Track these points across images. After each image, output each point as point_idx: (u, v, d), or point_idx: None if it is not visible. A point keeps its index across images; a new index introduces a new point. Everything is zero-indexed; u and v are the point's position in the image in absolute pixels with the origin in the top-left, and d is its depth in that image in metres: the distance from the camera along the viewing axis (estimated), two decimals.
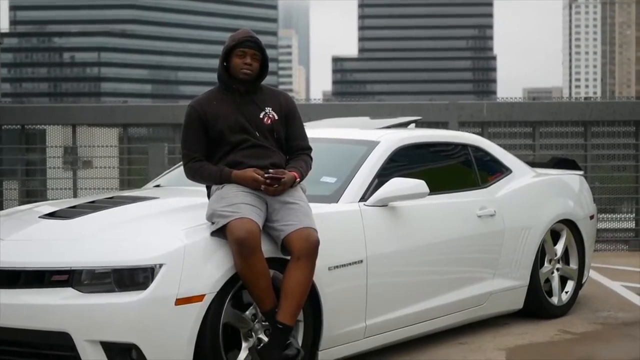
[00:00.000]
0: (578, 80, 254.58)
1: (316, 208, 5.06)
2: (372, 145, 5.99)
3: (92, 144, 12.22)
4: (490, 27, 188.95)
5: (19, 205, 11.58)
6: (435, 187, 5.98)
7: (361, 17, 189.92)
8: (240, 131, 4.98)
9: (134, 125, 11.66)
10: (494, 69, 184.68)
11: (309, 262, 4.72)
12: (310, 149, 5.22)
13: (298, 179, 4.97)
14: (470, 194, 6.48)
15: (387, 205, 5.64)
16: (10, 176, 12.50)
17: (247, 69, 5.01)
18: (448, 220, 6.13)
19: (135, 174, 11.90)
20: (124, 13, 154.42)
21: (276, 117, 5.09)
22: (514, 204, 6.71)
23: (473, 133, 7.37)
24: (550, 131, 11.34)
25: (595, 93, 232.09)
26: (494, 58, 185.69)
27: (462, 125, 10.97)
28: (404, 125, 6.92)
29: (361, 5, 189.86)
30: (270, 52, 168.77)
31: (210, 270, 4.58)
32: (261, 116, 5.05)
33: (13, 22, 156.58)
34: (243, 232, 4.56)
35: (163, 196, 5.73)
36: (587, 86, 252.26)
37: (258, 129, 5.01)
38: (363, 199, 5.59)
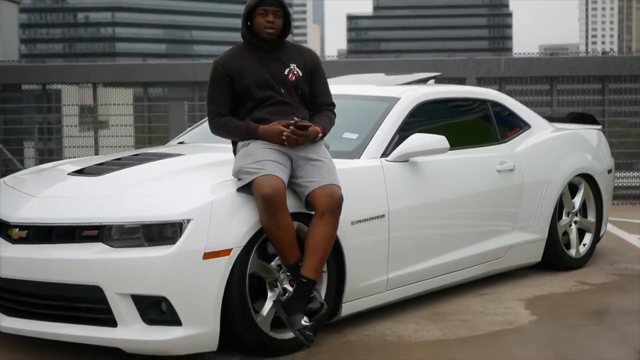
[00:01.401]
0: (595, 36, 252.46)
1: (339, 164, 5.14)
2: (393, 101, 6.07)
3: (109, 103, 12.29)
4: None
5: (38, 164, 11.76)
6: (456, 143, 6.06)
7: None
8: (266, 87, 5.05)
9: (154, 84, 11.75)
10: (509, 26, 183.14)
11: (333, 219, 4.80)
12: (334, 105, 5.29)
13: (321, 134, 5.04)
14: (490, 149, 6.56)
15: (408, 161, 5.73)
16: (29, 135, 12.63)
17: (270, 27, 5.06)
18: (468, 175, 6.21)
19: (155, 132, 12.00)
20: None
21: (300, 74, 5.15)
22: (533, 158, 6.78)
23: (491, 89, 7.43)
24: (568, 88, 11.35)
25: (612, 50, 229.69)
26: (509, 15, 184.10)
27: (480, 82, 11.00)
28: (424, 81, 6.98)
29: None
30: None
31: (237, 225, 4.68)
32: (286, 72, 5.11)
33: None
34: (269, 189, 4.64)
35: (188, 153, 5.84)
36: (603, 42, 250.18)
37: (283, 85, 5.08)
38: (384, 154, 5.67)
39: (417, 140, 5.70)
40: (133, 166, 5.33)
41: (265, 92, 5.06)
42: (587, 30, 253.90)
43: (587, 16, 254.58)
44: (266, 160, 4.82)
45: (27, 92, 12.67)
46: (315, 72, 5.23)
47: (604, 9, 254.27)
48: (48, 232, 4.74)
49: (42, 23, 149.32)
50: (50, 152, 12.43)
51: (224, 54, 5.24)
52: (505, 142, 6.72)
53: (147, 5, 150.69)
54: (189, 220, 4.57)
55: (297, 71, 5.15)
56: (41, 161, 11.77)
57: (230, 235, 4.65)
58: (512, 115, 6.98)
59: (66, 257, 4.62)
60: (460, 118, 6.77)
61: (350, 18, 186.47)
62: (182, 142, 6.55)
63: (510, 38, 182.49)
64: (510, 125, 6.92)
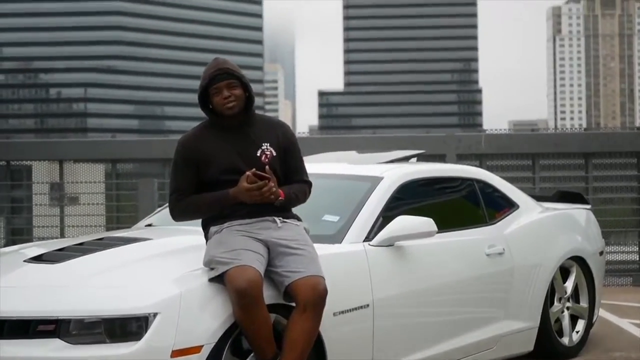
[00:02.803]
0: (563, 112, 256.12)
1: (319, 249, 4.73)
2: (375, 181, 5.69)
3: (79, 180, 11.91)
4: (475, 60, 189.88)
5: (4, 243, 11.26)
6: (442, 225, 5.67)
7: (347, 51, 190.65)
8: (235, 172, 4.62)
9: (123, 160, 11.35)
10: (479, 102, 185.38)
11: (316, 313, 4.38)
12: (310, 183, 4.90)
13: (282, 198, 4.61)
14: (478, 231, 6.18)
15: (393, 245, 5.33)
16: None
17: (229, 101, 4.64)
18: (456, 259, 5.82)
19: (124, 211, 11.59)
20: (110, 49, 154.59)
21: (274, 153, 4.73)
22: (523, 241, 6.42)
23: (477, 167, 7.10)
24: (550, 163, 11.08)
25: (580, 125, 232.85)
26: (479, 91, 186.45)
27: (460, 158, 10.71)
28: (406, 159, 6.63)
29: (347, 40, 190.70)
30: (256, 87, 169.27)
31: (208, 319, 4.25)
32: (258, 154, 4.69)
33: None
34: (244, 282, 4.22)
35: (156, 237, 5.40)
36: (572, 118, 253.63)
37: (255, 168, 4.65)
38: (368, 238, 5.27)
39: (403, 223, 5.30)
40: (95, 252, 4.89)
41: (234, 176, 4.61)
42: (555, 107, 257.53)
43: (555, 93, 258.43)
44: (241, 249, 4.41)
45: None
46: (290, 149, 4.82)
47: (571, 85, 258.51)
48: None
49: (13, 99, 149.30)
50: (17, 232, 11.95)
51: (189, 133, 4.81)
52: (493, 224, 6.35)
53: (119, 82, 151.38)
54: (155, 314, 4.14)
55: (269, 151, 4.72)
56: (8, 241, 11.31)
57: (200, 330, 4.21)
58: (500, 194, 6.63)
59: (19, 354, 4.15)
60: (447, 198, 6.40)
61: (322, 94, 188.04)
62: (150, 225, 6.11)
63: (480, 114, 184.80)
64: (498, 206, 6.57)
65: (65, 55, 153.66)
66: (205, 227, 4.77)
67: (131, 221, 10.11)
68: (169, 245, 5.18)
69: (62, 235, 11.34)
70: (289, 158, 4.80)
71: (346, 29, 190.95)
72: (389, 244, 5.30)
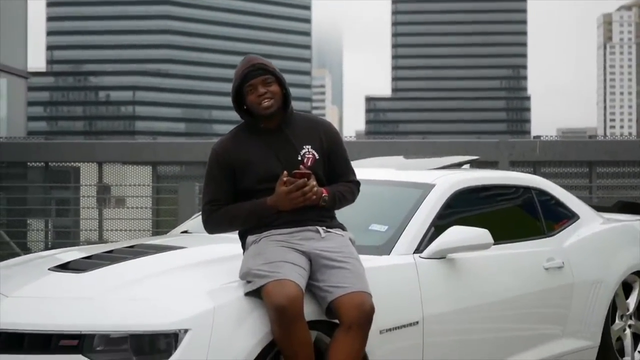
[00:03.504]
0: (613, 120, 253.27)
1: (366, 261, 4.36)
2: (427, 188, 5.30)
3: (124, 183, 11.68)
4: (525, 67, 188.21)
5: (50, 244, 11.04)
6: (498, 236, 5.26)
7: (395, 57, 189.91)
8: (274, 180, 4.24)
9: (164, 163, 11.06)
10: (527, 109, 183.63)
11: (362, 333, 4.00)
12: (358, 182, 4.52)
13: (325, 194, 4.26)
14: (536, 243, 5.76)
15: (445, 258, 4.94)
16: (37, 215, 11.96)
17: (265, 99, 4.28)
18: (513, 274, 5.41)
19: (165, 214, 11.30)
20: (159, 53, 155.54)
21: (317, 156, 4.35)
22: (584, 254, 5.99)
23: (534, 174, 6.67)
24: (608, 171, 10.61)
25: (630, 134, 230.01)
26: (528, 98, 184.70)
27: (513, 165, 10.28)
28: (458, 165, 6.23)
29: (395, 46, 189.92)
30: (304, 92, 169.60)
31: (244, 336, 3.89)
32: (299, 158, 4.31)
33: (50, 62, 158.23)
34: (283, 298, 3.84)
35: (190, 245, 5.05)
36: (622, 127, 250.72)
37: None
38: (418, 250, 4.88)
39: (457, 234, 4.90)
40: (124, 261, 4.55)
41: (273, 184, 4.23)
42: (605, 115, 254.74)
43: (605, 100, 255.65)
44: (280, 261, 4.04)
45: (33, 169, 12.04)
46: (335, 150, 4.44)
47: (621, 93, 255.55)
48: (19, 340, 3.95)
49: (63, 101, 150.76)
50: (61, 234, 11.75)
51: (223, 139, 4.44)
52: (552, 236, 5.93)
53: (167, 85, 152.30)
54: (186, 331, 3.79)
55: (312, 154, 4.34)
56: (50, 243, 11.09)
57: (235, 348, 3.85)
58: (559, 204, 6.21)
59: None
60: (503, 207, 5.98)
61: (369, 99, 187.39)
62: (186, 231, 5.77)
63: (528, 121, 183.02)
64: (557, 216, 6.14)
65: (114, 58, 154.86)
66: (243, 237, 4.42)
67: (172, 225, 9.82)
68: (204, 255, 4.80)
69: (100, 238, 11.09)
70: (333, 160, 4.44)
71: (394, 34, 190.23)
72: (441, 256, 4.91)
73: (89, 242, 10.25)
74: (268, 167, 4.28)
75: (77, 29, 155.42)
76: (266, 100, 4.27)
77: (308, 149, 4.35)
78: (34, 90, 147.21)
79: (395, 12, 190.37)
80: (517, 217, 5.99)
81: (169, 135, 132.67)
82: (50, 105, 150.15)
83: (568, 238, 6.01)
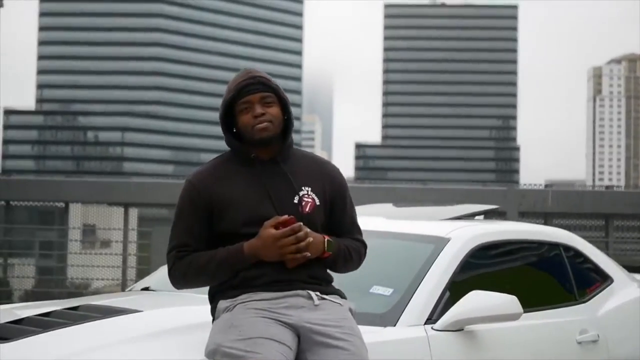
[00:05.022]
0: (602, 172, 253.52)
1: (366, 334, 3.41)
2: (440, 242, 4.35)
3: (95, 224, 10.77)
4: (514, 117, 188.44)
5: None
6: (524, 302, 4.29)
7: (385, 104, 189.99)
8: (262, 224, 3.30)
9: (135, 204, 10.08)
10: (517, 160, 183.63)
11: None
12: (365, 244, 3.58)
13: (327, 238, 3.33)
14: (567, 311, 4.81)
15: (462, 330, 4.00)
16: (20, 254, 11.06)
17: (262, 120, 3.35)
18: (542, 348, 4.46)
19: (142, 262, 10.34)
20: (148, 95, 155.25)
21: (317, 202, 3.40)
22: (621, 325, 5.04)
23: (562, 229, 5.73)
24: (625, 225, 9.71)
25: (619, 187, 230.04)
26: (517, 148, 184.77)
27: (522, 216, 9.35)
28: (472, 215, 5.30)
29: (385, 93, 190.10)
30: (293, 137, 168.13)
31: None
32: (295, 201, 3.37)
33: (39, 100, 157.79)
34: None
35: (148, 307, 4.02)
36: (610, 179, 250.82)
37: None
38: (430, 319, 3.94)
39: (478, 302, 3.95)
40: (60, 328, 3.55)
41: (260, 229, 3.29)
42: (594, 167, 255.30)
43: (594, 153, 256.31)
44: (259, 337, 3.08)
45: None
46: (339, 201, 3.49)
47: (611, 145, 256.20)
48: None
49: (51, 140, 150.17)
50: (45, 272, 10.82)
51: (202, 170, 3.47)
52: (585, 302, 4.98)
53: (156, 127, 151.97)
54: None
55: (312, 198, 3.40)
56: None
57: None
58: (590, 264, 5.26)
59: None
60: (528, 268, 5.03)
61: (359, 146, 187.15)
62: (147, 288, 4.77)
63: (517, 171, 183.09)
64: (589, 279, 5.19)
65: (103, 99, 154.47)
66: (213, 300, 3.45)
67: (143, 275, 8.88)
68: (161, 322, 3.71)
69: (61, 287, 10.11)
70: (337, 212, 3.49)
71: (385, 82, 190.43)
72: (457, 328, 3.97)
73: (47, 293, 9.26)
74: (255, 207, 3.33)
75: (68, 68, 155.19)
76: (262, 123, 3.34)
77: (308, 191, 3.41)
78: (22, 128, 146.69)
79: (386, 60, 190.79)
80: (545, 279, 5.03)
81: (157, 177, 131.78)
82: (38, 144, 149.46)
83: (602, 305, 5.06)
